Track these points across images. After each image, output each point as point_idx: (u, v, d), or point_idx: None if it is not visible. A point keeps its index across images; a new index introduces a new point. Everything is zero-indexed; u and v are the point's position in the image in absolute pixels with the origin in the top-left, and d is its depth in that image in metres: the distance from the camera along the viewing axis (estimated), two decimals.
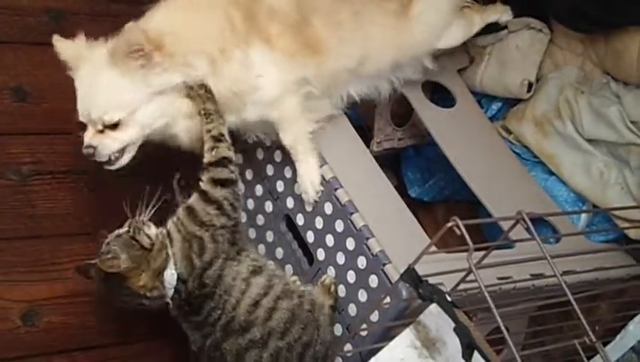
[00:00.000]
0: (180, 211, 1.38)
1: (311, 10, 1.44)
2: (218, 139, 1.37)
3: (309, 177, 1.47)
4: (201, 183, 1.37)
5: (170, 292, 1.35)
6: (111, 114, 1.33)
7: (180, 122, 1.38)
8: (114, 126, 1.35)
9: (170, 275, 1.34)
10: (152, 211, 1.38)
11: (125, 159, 1.38)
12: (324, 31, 1.44)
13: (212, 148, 1.37)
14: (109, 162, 1.37)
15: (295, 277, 1.48)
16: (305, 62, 1.42)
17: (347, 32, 1.47)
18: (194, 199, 1.37)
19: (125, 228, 1.35)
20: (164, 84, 1.34)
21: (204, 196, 1.36)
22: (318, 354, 1.38)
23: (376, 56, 1.51)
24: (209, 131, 1.37)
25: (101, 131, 1.35)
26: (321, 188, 1.46)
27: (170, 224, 1.38)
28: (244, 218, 1.64)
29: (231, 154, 1.39)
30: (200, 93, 1.36)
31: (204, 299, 1.35)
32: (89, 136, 1.36)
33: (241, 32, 1.39)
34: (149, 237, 1.34)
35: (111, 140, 1.35)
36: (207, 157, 1.37)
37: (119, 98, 1.33)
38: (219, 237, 1.36)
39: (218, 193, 1.36)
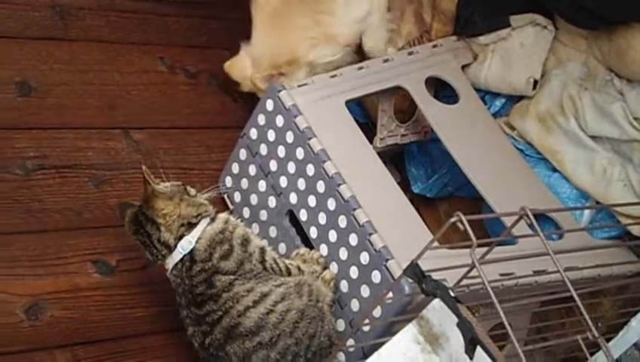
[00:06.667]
0: (241, 229, 1.42)
1: None
2: None
3: None
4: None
5: (177, 257, 1.37)
6: None
7: None
8: None
9: (188, 242, 1.37)
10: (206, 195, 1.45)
11: None
12: None
13: None
14: None
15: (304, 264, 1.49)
16: None
17: None
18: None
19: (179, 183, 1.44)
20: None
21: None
22: (322, 344, 1.38)
23: None
24: None
25: None
26: None
27: (222, 216, 1.43)
28: (247, 213, 1.64)
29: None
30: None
31: (207, 299, 1.36)
32: None
33: None
34: (195, 194, 1.42)
35: None
36: None
37: None
38: (247, 265, 1.39)
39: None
